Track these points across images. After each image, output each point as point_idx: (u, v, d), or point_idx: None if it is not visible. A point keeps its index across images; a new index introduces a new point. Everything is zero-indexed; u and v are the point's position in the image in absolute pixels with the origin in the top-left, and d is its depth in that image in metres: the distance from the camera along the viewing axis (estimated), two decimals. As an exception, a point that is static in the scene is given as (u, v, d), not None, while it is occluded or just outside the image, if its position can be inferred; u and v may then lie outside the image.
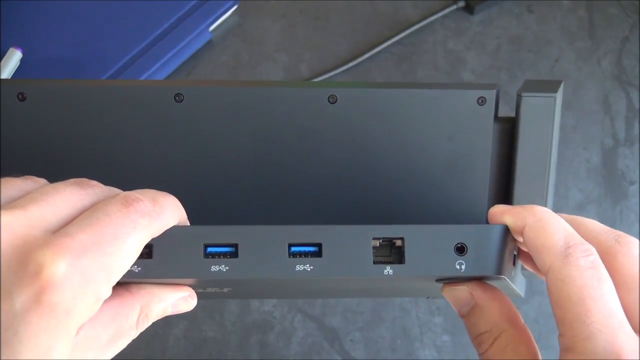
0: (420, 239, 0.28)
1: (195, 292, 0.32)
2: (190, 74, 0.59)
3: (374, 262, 0.28)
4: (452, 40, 0.60)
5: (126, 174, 0.35)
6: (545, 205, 0.35)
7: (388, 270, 0.28)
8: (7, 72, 0.55)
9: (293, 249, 0.28)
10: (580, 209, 0.57)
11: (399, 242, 0.28)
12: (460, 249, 0.28)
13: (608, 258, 0.28)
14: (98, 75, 0.56)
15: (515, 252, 0.31)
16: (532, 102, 0.34)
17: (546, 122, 0.34)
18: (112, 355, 0.28)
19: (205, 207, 0.35)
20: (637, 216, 0.57)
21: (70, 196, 0.27)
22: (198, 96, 0.34)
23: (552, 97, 0.34)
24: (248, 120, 0.35)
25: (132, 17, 0.58)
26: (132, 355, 0.53)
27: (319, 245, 0.28)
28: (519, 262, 0.32)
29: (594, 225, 0.29)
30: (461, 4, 0.60)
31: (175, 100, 0.34)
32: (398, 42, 0.60)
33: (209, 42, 0.60)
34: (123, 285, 0.29)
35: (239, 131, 0.35)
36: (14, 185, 0.27)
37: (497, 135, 0.35)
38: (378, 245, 0.28)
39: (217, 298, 0.38)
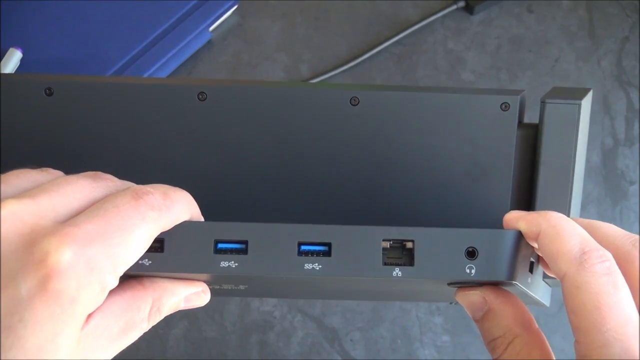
0: (431, 242, 0.28)
1: (212, 288, 0.32)
2: (190, 74, 0.59)
3: (384, 264, 0.28)
4: (452, 40, 0.60)
5: (148, 169, 0.35)
6: (569, 214, 0.34)
7: (397, 272, 0.28)
8: (7, 72, 0.55)
9: (303, 247, 0.28)
10: (580, 209, 0.57)
11: (409, 244, 0.28)
12: (471, 253, 0.28)
13: (625, 264, 0.27)
14: (98, 75, 0.56)
15: (532, 259, 0.30)
16: (555, 109, 0.34)
17: (570, 130, 0.34)
18: (123, 346, 0.28)
19: (225, 204, 0.35)
20: (637, 216, 0.57)
21: (81, 188, 0.27)
22: (221, 95, 0.35)
23: (576, 104, 0.34)
24: (270, 120, 0.35)
25: (132, 17, 0.58)
26: (132, 355, 0.53)
27: (329, 245, 0.28)
28: (539, 269, 0.31)
29: (610, 229, 0.29)
30: (461, 4, 0.60)
31: (199, 99, 0.35)
32: (398, 42, 0.60)
33: (209, 42, 0.60)
34: (136, 278, 0.29)
35: (260, 130, 0.35)
36: (29, 177, 0.28)
37: (520, 142, 0.35)
38: (388, 246, 0.28)
39: (235, 296, 0.38)
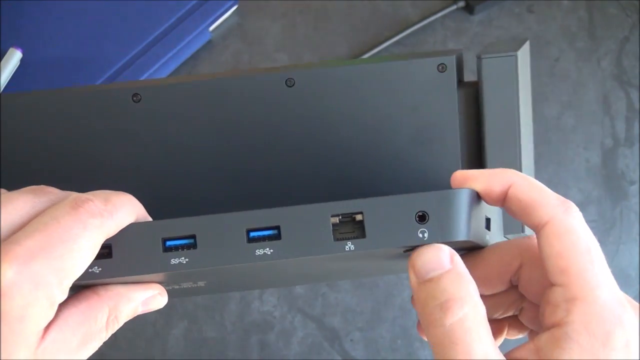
0: (380, 211, 0.28)
1: (171, 288, 0.31)
2: (191, 74, 0.59)
3: (335, 239, 0.28)
4: (452, 40, 0.60)
5: (91, 175, 0.35)
6: (520, 169, 0.34)
7: (349, 245, 0.28)
8: (7, 72, 0.55)
9: (252, 234, 0.28)
10: (580, 209, 0.57)
11: (359, 217, 0.28)
12: (422, 217, 0.28)
13: None
14: (98, 75, 0.56)
15: (488, 216, 0.30)
16: (492, 64, 0.33)
17: (509, 83, 0.33)
18: (85, 357, 0.28)
19: (174, 202, 0.35)
20: (637, 216, 0.57)
21: (22, 204, 0.27)
22: (155, 95, 0.35)
23: (512, 56, 0.33)
24: (208, 113, 0.35)
25: (132, 17, 0.58)
26: (132, 355, 0.53)
27: (278, 228, 0.28)
28: (496, 225, 0.31)
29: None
30: (461, 4, 0.60)
31: (133, 101, 0.35)
32: (398, 42, 0.60)
33: (209, 42, 0.60)
34: (90, 288, 0.29)
35: (199, 124, 0.35)
36: None
37: (464, 101, 0.35)
38: (338, 222, 0.28)
39: (196, 294, 0.38)
